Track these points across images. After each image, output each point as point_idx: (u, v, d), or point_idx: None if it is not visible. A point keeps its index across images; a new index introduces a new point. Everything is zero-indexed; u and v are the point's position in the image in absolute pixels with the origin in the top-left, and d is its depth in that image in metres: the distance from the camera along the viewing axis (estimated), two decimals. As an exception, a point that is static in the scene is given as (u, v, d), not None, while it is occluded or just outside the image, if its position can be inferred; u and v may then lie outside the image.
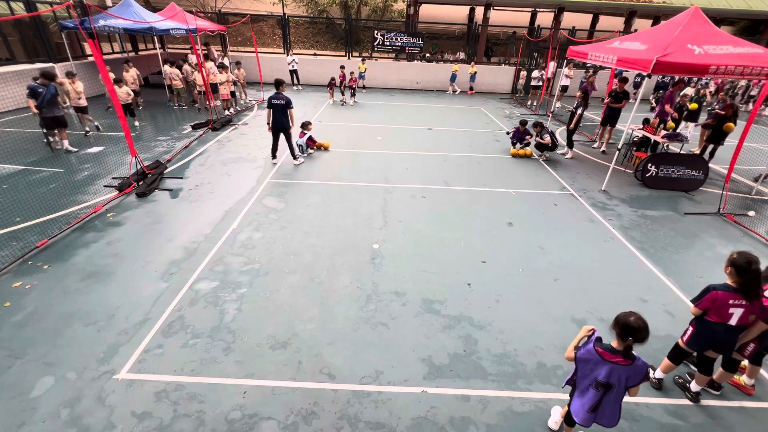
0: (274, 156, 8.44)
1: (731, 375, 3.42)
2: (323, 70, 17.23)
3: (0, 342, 3.66)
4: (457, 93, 17.73)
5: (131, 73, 11.68)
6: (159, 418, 3.05)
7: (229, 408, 3.14)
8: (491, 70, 18.76)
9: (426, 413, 3.18)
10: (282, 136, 8.16)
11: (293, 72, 16.53)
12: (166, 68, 12.26)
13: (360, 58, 17.66)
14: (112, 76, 10.09)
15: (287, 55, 17.18)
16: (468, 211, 6.58)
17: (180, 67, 12.56)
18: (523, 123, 9.47)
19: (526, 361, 3.71)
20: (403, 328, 4.04)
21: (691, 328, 3.24)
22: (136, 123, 10.62)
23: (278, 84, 7.95)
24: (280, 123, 7.89)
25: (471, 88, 17.83)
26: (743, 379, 3.52)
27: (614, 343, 2.44)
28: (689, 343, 3.25)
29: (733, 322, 3.00)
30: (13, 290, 4.34)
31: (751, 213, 6.91)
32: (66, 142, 8.48)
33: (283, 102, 7.75)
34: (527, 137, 9.49)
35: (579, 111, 9.30)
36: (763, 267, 3.03)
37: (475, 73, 17.34)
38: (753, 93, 17.95)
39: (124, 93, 10.00)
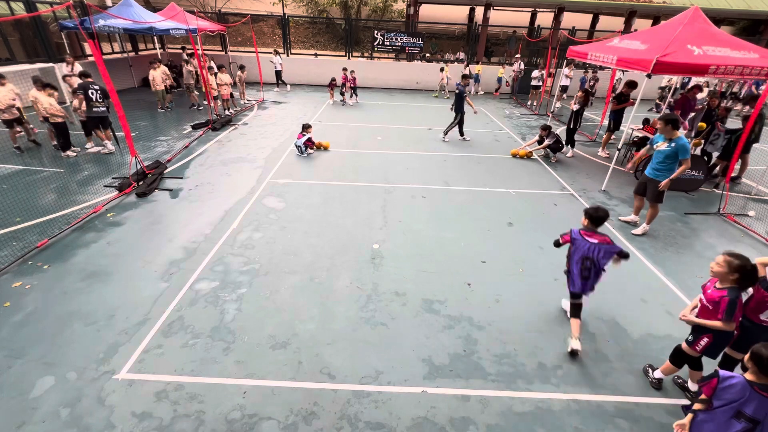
0: None
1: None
2: (323, 70, 17.22)
3: (0, 342, 3.66)
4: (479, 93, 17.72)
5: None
6: (159, 418, 3.05)
7: (229, 408, 3.14)
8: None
9: (426, 413, 3.17)
10: None
11: (278, 73, 16.12)
12: (150, 72, 11.80)
13: (444, 63, 17.56)
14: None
15: (274, 54, 16.00)
16: (468, 211, 6.58)
17: (151, 63, 11.83)
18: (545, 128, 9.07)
19: (526, 361, 3.71)
20: (403, 328, 4.04)
21: (706, 339, 3.08)
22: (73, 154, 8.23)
23: None
24: None
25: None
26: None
27: (750, 376, 2.28)
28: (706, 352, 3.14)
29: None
30: (13, 290, 4.34)
31: (752, 213, 6.91)
32: (109, 143, 8.57)
33: None
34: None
35: (577, 108, 9.27)
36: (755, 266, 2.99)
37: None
38: (734, 90, 17.94)
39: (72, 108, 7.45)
